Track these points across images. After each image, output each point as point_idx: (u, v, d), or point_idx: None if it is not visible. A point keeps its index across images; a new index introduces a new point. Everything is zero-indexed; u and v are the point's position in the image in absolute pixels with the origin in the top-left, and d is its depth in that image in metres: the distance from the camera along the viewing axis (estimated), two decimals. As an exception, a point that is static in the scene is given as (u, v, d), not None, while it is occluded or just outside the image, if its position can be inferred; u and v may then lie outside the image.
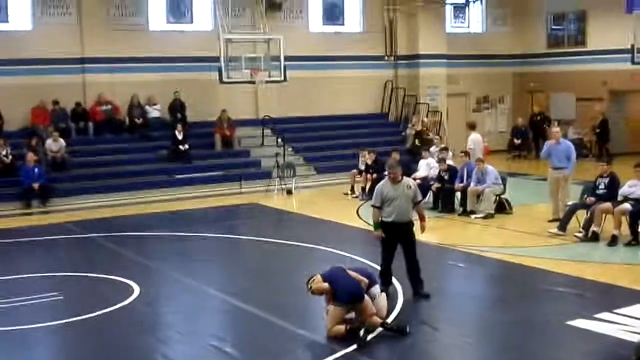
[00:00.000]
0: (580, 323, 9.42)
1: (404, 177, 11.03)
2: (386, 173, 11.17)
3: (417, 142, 22.74)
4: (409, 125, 23.96)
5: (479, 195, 17.26)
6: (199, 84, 24.87)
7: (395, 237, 10.88)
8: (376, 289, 9.90)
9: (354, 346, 8.71)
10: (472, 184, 17.29)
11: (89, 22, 23.61)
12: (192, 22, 25.54)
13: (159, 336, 9.70)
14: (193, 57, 24.65)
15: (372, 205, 11.07)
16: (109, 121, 23.75)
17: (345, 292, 9.27)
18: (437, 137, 22.09)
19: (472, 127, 20.81)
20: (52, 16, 23.33)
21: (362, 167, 20.93)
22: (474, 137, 20.01)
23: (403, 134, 23.91)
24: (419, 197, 11.14)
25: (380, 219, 10.93)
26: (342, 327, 9.13)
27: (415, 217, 11.08)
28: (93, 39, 23.66)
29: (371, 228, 11.51)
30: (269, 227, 17.43)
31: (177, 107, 24.49)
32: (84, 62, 23.64)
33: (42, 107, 22.78)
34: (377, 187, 11.17)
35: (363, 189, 20.28)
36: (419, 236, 11.20)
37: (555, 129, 16.98)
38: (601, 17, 28.22)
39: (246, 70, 22.78)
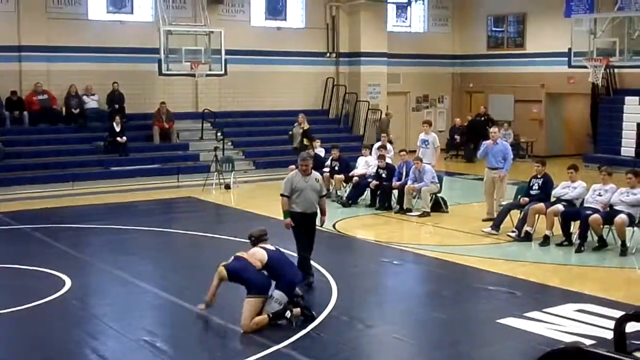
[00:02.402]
0: (510, 321, 9.54)
1: (313, 171, 11.45)
2: (298, 164, 11.44)
3: (304, 141, 22.50)
4: (295, 124, 23.38)
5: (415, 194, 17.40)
6: (138, 76, 24.62)
7: (303, 226, 11.22)
8: None
9: (286, 342, 8.70)
10: (409, 182, 17.40)
11: (26, 10, 23.11)
12: (132, 12, 25.21)
13: (90, 330, 9.54)
14: (132, 48, 24.36)
15: (282, 194, 11.34)
16: (45, 111, 23.32)
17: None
18: (383, 135, 22.05)
19: (430, 124, 20.66)
20: (-11, 3, 22.85)
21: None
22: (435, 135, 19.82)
23: (290, 132, 23.50)
24: (324, 191, 11.66)
25: (288, 208, 11.26)
26: (264, 317, 9.21)
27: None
28: (31, 27, 23.20)
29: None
30: (206, 221, 17.30)
31: (115, 98, 24.19)
32: (20, 50, 23.16)
33: (-24, 95, 22.31)
34: (287, 177, 11.51)
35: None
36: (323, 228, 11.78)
37: (494, 130, 17.19)
38: (540, 20, 28.66)
39: (186, 62, 22.68)
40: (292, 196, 11.20)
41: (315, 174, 11.54)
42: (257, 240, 9.91)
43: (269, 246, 9.87)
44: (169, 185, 21.73)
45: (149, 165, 23.08)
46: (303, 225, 11.22)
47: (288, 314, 9.22)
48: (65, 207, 18.33)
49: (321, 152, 20.94)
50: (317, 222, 11.53)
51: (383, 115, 28.31)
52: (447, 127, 30.60)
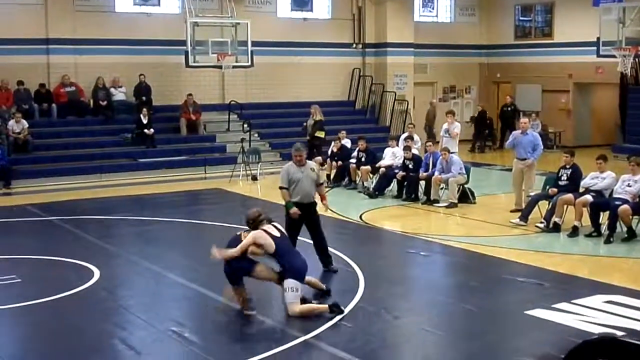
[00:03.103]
0: (539, 313, 9.48)
1: (307, 161, 11.63)
2: (292, 155, 11.56)
3: (317, 132, 22.42)
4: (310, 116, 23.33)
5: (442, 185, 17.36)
6: (165, 68, 24.71)
7: (301, 216, 11.35)
8: None
9: (314, 333, 8.71)
10: (436, 173, 17.33)
11: (54, 2, 23.20)
12: (159, 4, 25.25)
13: (118, 321, 9.59)
14: (159, 40, 24.44)
15: (280, 187, 11.53)
16: (73, 103, 23.46)
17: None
18: (409, 125, 22.05)
19: (453, 114, 20.63)
20: (17, -5, 22.98)
21: (328, 154, 20.87)
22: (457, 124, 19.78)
23: (304, 124, 23.40)
24: (322, 179, 11.99)
25: (290, 199, 11.41)
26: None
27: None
28: (58, 20, 23.30)
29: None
30: (233, 212, 17.30)
31: (142, 90, 24.27)
32: (48, 42, 23.29)
33: (4, 87, 22.42)
34: (283, 169, 11.74)
35: (328, 176, 20.27)
36: (327, 213, 12.19)
37: (524, 120, 17.07)
38: (568, 9, 28.40)
39: (213, 54, 22.69)
40: (289, 187, 11.39)
41: (311, 163, 11.76)
42: (255, 222, 9.80)
43: (272, 230, 9.71)
44: (196, 177, 21.81)
45: (176, 157, 23.17)
46: (301, 216, 11.34)
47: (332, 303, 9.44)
48: (94, 199, 18.45)
49: (347, 143, 20.96)
50: (319, 209, 11.66)
51: (429, 106, 28.45)
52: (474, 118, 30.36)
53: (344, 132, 21.44)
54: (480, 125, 28.84)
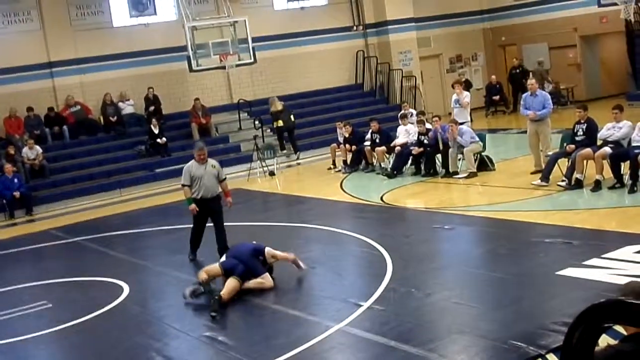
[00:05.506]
0: (570, 272, 9.41)
1: (209, 159, 12.58)
2: (195, 154, 12.54)
3: (279, 122, 23.31)
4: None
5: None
6: (169, 75, 24.76)
7: (204, 210, 12.40)
8: None
9: (347, 320, 8.69)
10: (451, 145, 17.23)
11: (51, 26, 23.31)
12: (155, 13, 25.24)
13: (152, 333, 9.60)
14: (160, 48, 24.49)
15: (182, 184, 12.63)
16: (83, 123, 23.55)
17: None
18: (404, 104, 22.26)
19: (461, 83, 20.56)
20: (14, 24, 22.99)
21: (341, 140, 20.85)
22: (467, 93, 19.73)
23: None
24: (223, 175, 12.79)
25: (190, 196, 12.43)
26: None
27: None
28: (58, 42, 23.40)
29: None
30: (255, 210, 17.33)
31: (150, 100, 24.31)
32: (51, 66, 23.38)
33: (14, 116, 22.53)
34: (185, 167, 12.66)
35: (344, 161, 20.23)
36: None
37: (531, 81, 16.92)
38: (565, -38, 28.09)
39: (215, 56, 22.63)
40: (192, 184, 12.34)
41: (212, 161, 12.65)
42: None
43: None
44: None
45: (191, 162, 23.12)
46: (206, 210, 12.37)
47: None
48: (116, 215, 18.51)
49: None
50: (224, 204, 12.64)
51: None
52: (484, 85, 30.19)
53: (340, 122, 21.38)
54: (490, 92, 28.65)
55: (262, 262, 10.50)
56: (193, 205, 12.40)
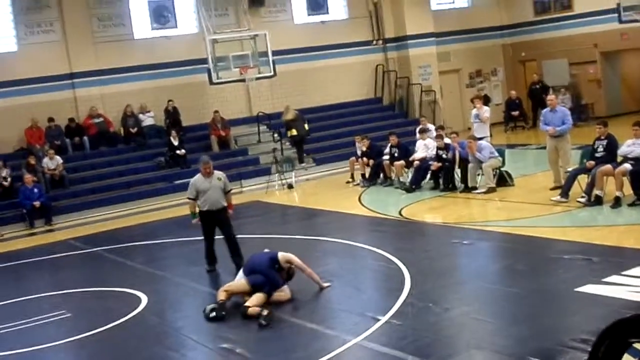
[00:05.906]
0: (589, 288, 9.35)
1: (215, 171, 12.67)
2: (201, 168, 12.63)
3: (293, 131, 23.41)
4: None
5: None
6: (189, 88, 24.89)
7: (212, 222, 12.61)
8: None
9: (365, 334, 8.67)
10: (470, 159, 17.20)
11: (73, 37, 23.54)
12: (176, 26, 25.43)
13: (170, 344, 9.61)
14: (181, 61, 24.68)
15: (187, 198, 12.75)
16: (104, 134, 23.72)
17: None
18: (422, 118, 22.27)
19: (480, 99, 20.61)
20: (37, 35, 23.25)
21: (359, 154, 20.86)
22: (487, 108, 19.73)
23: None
24: (229, 187, 12.87)
25: (197, 208, 12.67)
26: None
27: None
28: (80, 54, 23.61)
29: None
30: (273, 223, 17.37)
31: (170, 112, 24.44)
32: (73, 77, 23.60)
33: (36, 126, 22.70)
34: (191, 181, 12.76)
35: (363, 175, 20.24)
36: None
37: (550, 97, 16.88)
38: (586, -21, 28.06)
39: (235, 69, 22.71)
40: (198, 198, 12.50)
41: (218, 173, 12.72)
42: None
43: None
44: (233, 192, 21.75)
45: (211, 174, 23.21)
46: (213, 222, 12.57)
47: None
48: (135, 226, 18.60)
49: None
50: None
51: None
52: (503, 100, 30.14)
53: (358, 136, 21.45)
54: (510, 108, 28.59)
55: (278, 269, 10.48)
56: (195, 220, 12.71)
